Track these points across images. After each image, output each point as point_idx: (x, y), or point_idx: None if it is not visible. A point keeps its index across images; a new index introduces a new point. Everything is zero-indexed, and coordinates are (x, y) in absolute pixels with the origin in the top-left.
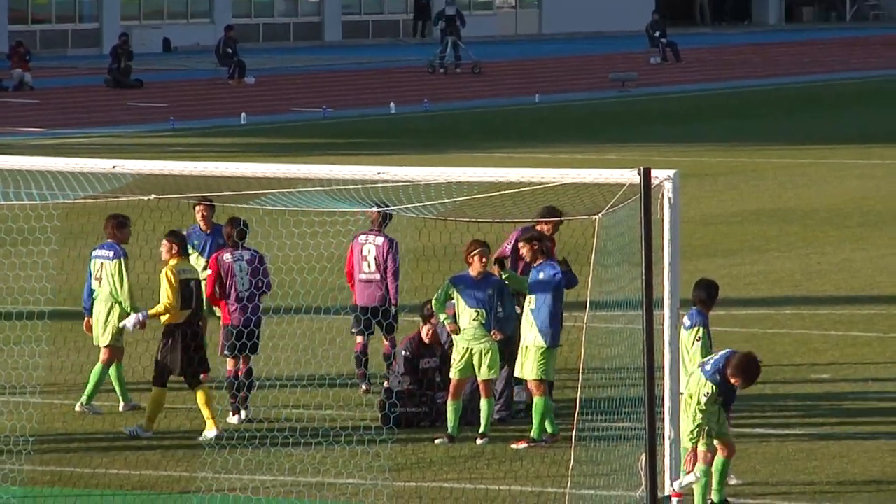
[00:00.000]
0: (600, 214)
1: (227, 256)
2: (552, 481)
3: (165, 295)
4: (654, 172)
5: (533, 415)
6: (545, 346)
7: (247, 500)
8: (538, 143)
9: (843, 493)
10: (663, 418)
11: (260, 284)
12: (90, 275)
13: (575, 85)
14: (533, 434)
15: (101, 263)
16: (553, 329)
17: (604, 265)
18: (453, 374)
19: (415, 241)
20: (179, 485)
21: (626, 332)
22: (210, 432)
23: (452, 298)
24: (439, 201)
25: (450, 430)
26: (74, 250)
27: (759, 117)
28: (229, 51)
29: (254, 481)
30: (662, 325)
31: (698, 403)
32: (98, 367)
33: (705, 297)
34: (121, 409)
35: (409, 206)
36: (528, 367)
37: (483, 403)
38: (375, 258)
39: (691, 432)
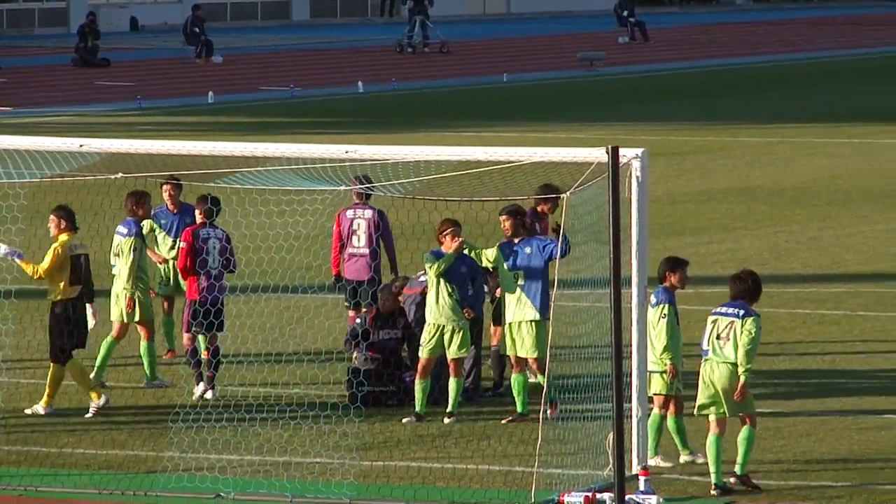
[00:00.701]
0: (568, 193)
1: (201, 232)
2: (520, 460)
3: (45, 265)
4: (622, 151)
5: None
6: (540, 319)
7: (214, 480)
8: (506, 122)
9: (810, 471)
10: (631, 397)
11: (227, 263)
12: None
13: (543, 64)
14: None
15: (119, 240)
16: (544, 301)
17: (572, 243)
18: (423, 353)
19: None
20: (146, 464)
21: (594, 311)
22: (96, 403)
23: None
24: (407, 180)
25: (417, 408)
26: (41, 229)
27: (727, 96)
28: (196, 30)
29: (221, 461)
30: (630, 303)
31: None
32: (143, 344)
33: (667, 269)
34: (143, 385)
35: (377, 184)
36: (526, 344)
37: (452, 383)
38: (366, 231)
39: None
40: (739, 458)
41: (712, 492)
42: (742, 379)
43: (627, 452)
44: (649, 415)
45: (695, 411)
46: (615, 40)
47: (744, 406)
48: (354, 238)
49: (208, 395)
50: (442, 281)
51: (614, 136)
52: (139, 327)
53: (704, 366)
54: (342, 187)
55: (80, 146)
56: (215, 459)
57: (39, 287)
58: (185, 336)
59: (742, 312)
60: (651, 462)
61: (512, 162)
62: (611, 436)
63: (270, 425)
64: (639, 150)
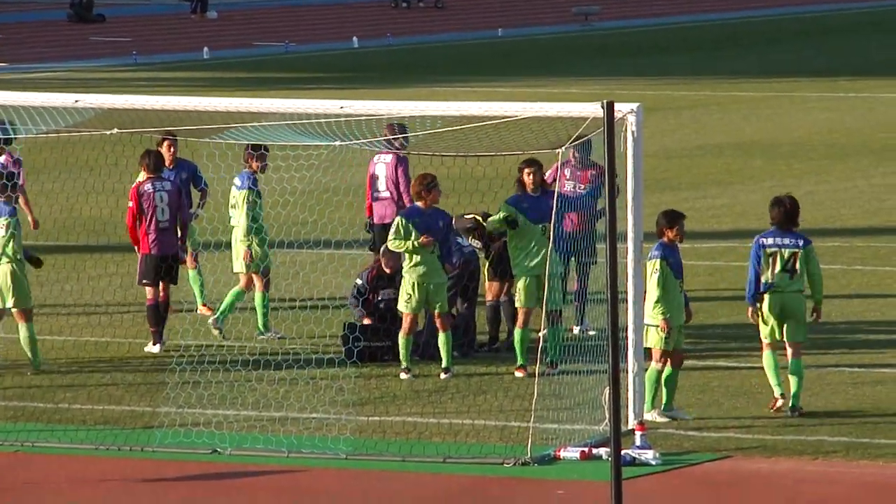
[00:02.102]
0: (563, 147)
1: (147, 186)
2: (515, 415)
3: None
4: (617, 106)
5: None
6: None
7: (210, 436)
8: (501, 77)
9: (805, 425)
10: (627, 351)
11: (180, 215)
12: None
13: (538, 18)
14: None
15: (234, 193)
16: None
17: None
18: (405, 309)
19: None
20: (143, 420)
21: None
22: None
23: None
24: (403, 135)
25: (404, 363)
26: (37, 185)
27: (723, 51)
28: None
29: (217, 416)
30: (626, 257)
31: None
32: (258, 294)
33: (665, 223)
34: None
35: (372, 139)
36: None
37: (442, 337)
38: (386, 176)
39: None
40: (795, 390)
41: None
42: (818, 304)
43: (623, 407)
44: (646, 369)
45: (767, 344)
46: None
47: (805, 333)
48: (378, 182)
49: (158, 347)
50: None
51: (609, 91)
52: (254, 277)
53: (772, 298)
54: (337, 142)
55: (76, 102)
56: (212, 415)
57: (35, 243)
58: (149, 290)
59: (801, 242)
60: (647, 416)
61: (507, 117)
62: (607, 390)
63: (267, 380)
64: (634, 105)
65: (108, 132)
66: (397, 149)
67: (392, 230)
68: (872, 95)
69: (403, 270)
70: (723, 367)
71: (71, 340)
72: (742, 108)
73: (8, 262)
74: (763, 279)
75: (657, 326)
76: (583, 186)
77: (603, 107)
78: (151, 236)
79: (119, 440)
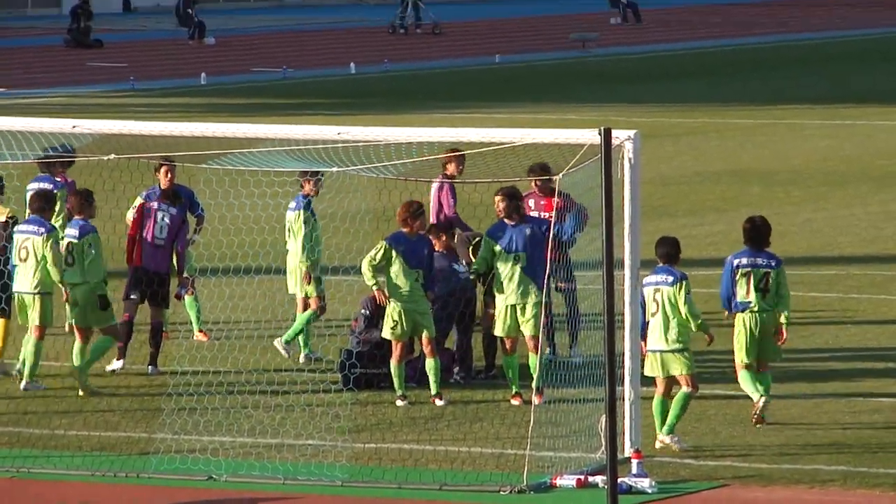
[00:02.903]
0: (560, 175)
1: (154, 203)
2: (512, 443)
3: None
4: (614, 133)
5: (532, 372)
6: (541, 300)
7: (206, 462)
8: (499, 103)
9: (803, 454)
10: (623, 380)
11: (174, 243)
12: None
13: (535, 45)
14: (535, 386)
15: (289, 216)
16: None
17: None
18: (392, 336)
19: (375, 201)
20: (138, 446)
21: (587, 293)
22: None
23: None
24: (400, 161)
25: (399, 390)
26: None
27: (721, 77)
28: (189, 10)
29: (213, 442)
30: (623, 285)
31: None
32: (305, 314)
33: (673, 252)
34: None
35: (369, 166)
36: (529, 324)
37: (430, 363)
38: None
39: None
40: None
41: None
42: (786, 324)
43: (620, 435)
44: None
45: (745, 365)
46: (608, 21)
47: (778, 352)
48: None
49: (116, 364)
50: (405, 266)
51: (607, 118)
52: (310, 300)
53: (748, 317)
54: (334, 168)
55: (73, 127)
56: (207, 441)
57: None
58: (128, 306)
59: (774, 262)
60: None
61: (504, 143)
62: (603, 418)
63: (263, 407)
64: (631, 132)
65: (105, 157)
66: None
67: (373, 252)
68: (871, 123)
69: (380, 302)
70: (720, 396)
71: (67, 366)
72: (740, 135)
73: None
74: (738, 299)
75: (683, 350)
76: (547, 214)
77: (600, 133)
78: (144, 249)
79: (115, 466)
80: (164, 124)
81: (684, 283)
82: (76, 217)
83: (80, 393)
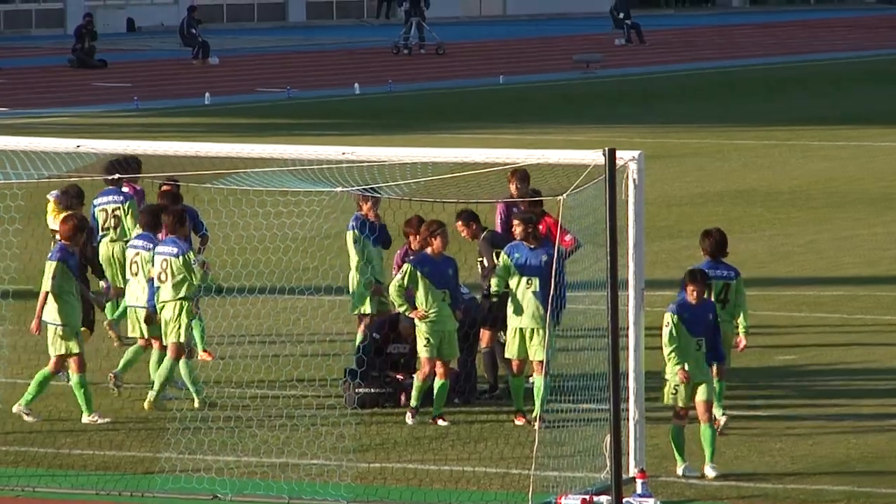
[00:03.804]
0: (565, 195)
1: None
2: (516, 462)
3: None
4: (618, 153)
5: (535, 396)
6: (553, 324)
7: (211, 481)
8: (502, 124)
9: (807, 474)
10: (628, 399)
11: None
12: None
13: (539, 66)
14: (535, 414)
15: (348, 235)
16: (554, 307)
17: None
18: (427, 354)
19: (380, 221)
20: (143, 465)
21: (591, 313)
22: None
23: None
24: (404, 182)
25: (415, 403)
26: (39, 229)
27: (724, 99)
28: (193, 31)
29: (217, 462)
30: (627, 305)
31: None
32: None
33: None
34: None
35: (373, 186)
36: (534, 347)
37: (440, 384)
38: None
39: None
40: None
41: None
42: (745, 333)
43: (624, 455)
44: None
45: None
46: (611, 42)
47: (729, 360)
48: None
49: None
50: (431, 286)
51: (611, 139)
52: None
53: None
54: (338, 189)
55: (77, 147)
56: (212, 461)
57: (36, 288)
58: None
59: (733, 274)
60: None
61: (509, 164)
62: (608, 438)
63: (267, 427)
64: (635, 153)
65: (109, 178)
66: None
67: (399, 276)
68: (874, 144)
69: (420, 319)
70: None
71: (70, 387)
72: (742, 156)
73: (179, 299)
74: None
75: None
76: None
77: (604, 154)
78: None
79: (120, 485)
80: (167, 144)
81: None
82: (170, 235)
83: (147, 407)
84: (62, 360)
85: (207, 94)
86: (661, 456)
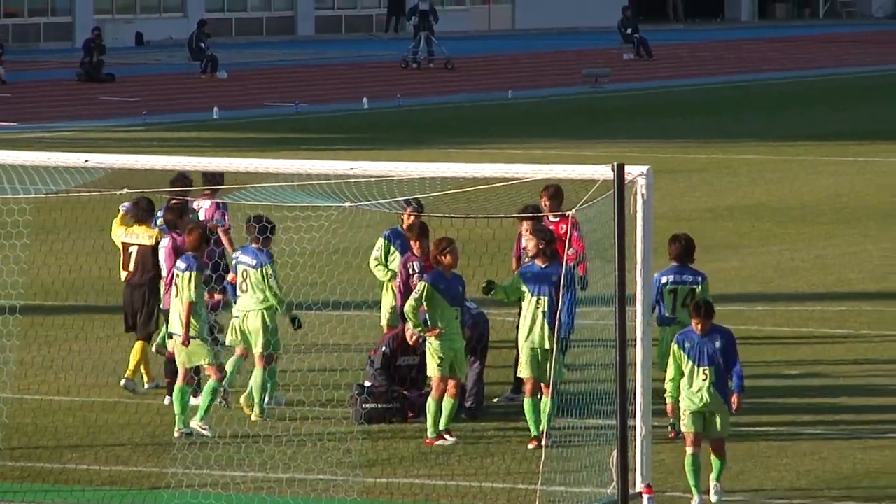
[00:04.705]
0: (573, 210)
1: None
2: (523, 478)
3: None
4: (627, 168)
5: (542, 412)
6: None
7: (217, 497)
8: (511, 138)
9: (813, 489)
10: (635, 415)
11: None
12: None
13: (548, 81)
14: (542, 430)
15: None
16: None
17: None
18: (439, 372)
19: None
20: (149, 481)
21: (599, 328)
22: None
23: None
24: (413, 196)
25: (444, 425)
26: (46, 244)
27: (732, 114)
28: (202, 45)
29: (224, 477)
30: (635, 321)
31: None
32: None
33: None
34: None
35: (382, 201)
36: (547, 368)
37: (449, 402)
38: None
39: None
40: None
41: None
42: None
43: (631, 470)
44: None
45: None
46: (620, 57)
47: None
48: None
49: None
50: (446, 304)
51: (619, 154)
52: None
53: (670, 332)
54: (346, 204)
55: (86, 161)
56: (219, 476)
57: (44, 303)
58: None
59: (700, 279)
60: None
61: (517, 178)
62: (615, 453)
63: (274, 442)
64: (644, 168)
65: (117, 192)
66: (417, 210)
67: (415, 294)
68: (882, 160)
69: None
70: (732, 434)
71: (79, 401)
72: (751, 171)
73: (261, 308)
74: (665, 313)
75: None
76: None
77: (613, 169)
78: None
79: (126, 501)
80: (176, 158)
81: None
82: (252, 245)
83: (255, 418)
84: (190, 372)
85: (216, 109)
86: (667, 471)
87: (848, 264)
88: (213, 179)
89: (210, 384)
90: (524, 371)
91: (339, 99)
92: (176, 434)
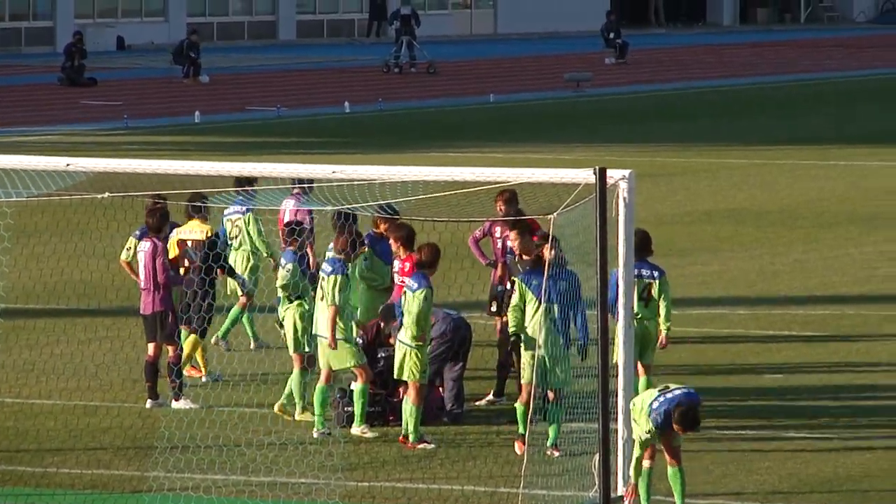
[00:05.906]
0: (555, 214)
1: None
2: (505, 481)
3: None
4: (609, 172)
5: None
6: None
7: (199, 500)
8: (493, 142)
9: (795, 493)
10: (617, 418)
11: (155, 276)
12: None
13: (530, 85)
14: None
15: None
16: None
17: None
18: (423, 380)
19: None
20: (131, 484)
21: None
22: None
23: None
24: (394, 200)
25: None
26: (27, 248)
27: (714, 118)
28: (192, 54)
29: (206, 480)
30: (616, 324)
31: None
32: None
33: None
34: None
35: (363, 204)
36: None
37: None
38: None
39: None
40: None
41: None
42: (667, 332)
43: (613, 474)
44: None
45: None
46: (602, 61)
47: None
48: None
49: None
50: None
51: (601, 157)
52: None
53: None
54: (328, 207)
55: (67, 165)
56: (200, 479)
57: (25, 306)
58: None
59: (657, 273)
60: None
61: (499, 182)
62: (596, 457)
63: (256, 445)
64: (626, 172)
65: (99, 196)
66: (391, 214)
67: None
68: (863, 163)
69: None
70: (712, 435)
71: (60, 405)
72: (733, 175)
73: (299, 306)
74: None
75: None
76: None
77: (595, 173)
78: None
79: None
80: (158, 163)
81: None
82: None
83: (299, 417)
84: (332, 373)
85: (197, 113)
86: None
87: (830, 268)
88: (302, 181)
89: (359, 387)
90: (524, 376)
91: (321, 103)
92: (315, 434)
